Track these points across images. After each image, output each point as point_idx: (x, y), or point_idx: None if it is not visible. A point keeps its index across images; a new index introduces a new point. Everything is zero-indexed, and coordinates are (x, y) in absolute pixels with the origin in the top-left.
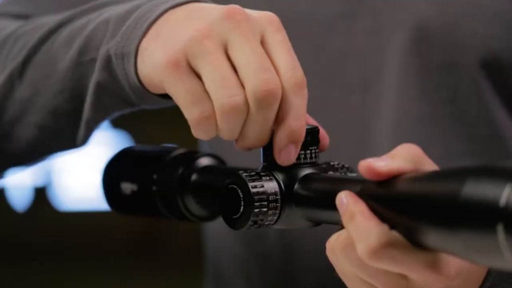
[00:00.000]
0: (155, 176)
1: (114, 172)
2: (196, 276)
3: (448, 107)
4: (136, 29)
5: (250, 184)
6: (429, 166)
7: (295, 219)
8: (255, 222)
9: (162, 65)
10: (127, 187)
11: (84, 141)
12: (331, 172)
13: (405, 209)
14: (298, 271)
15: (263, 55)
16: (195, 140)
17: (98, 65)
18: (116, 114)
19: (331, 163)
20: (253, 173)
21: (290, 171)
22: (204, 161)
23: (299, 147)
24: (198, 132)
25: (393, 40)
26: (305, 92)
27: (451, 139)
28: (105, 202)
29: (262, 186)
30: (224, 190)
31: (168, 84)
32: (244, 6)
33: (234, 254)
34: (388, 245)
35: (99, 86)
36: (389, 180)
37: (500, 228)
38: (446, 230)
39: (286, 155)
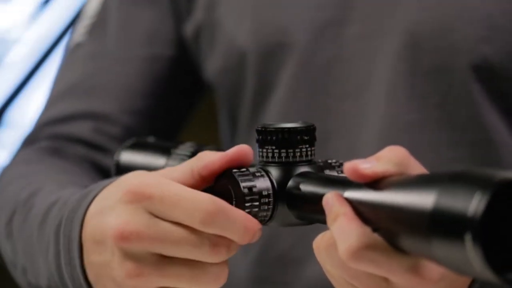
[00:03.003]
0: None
1: (125, 163)
2: None
3: (438, 112)
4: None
5: (241, 182)
6: (416, 168)
7: (289, 217)
8: None
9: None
10: None
11: None
12: (327, 171)
13: (384, 213)
14: (276, 263)
15: None
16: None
17: None
18: None
19: (329, 161)
20: (246, 171)
21: (285, 169)
22: None
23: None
24: None
25: (383, 45)
26: None
27: (441, 144)
28: None
29: (254, 184)
30: (218, 187)
31: None
32: (235, 13)
33: None
34: (368, 247)
35: None
36: (375, 182)
37: (468, 238)
38: (420, 237)
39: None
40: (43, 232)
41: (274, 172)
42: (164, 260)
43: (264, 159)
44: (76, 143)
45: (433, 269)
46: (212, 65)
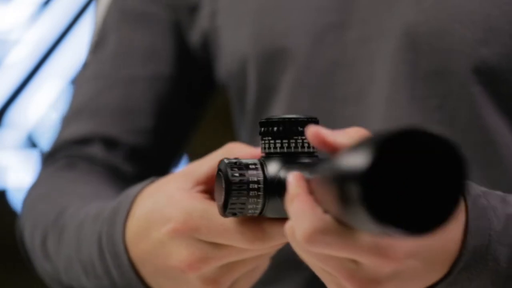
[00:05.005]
0: None
1: None
2: None
3: (439, 114)
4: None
5: (230, 172)
6: None
7: (282, 208)
8: (233, 210)
9: None
10: None
11: None
12: None
13: (320, 189)
14: (283, 264)
15: None
16: None
17: None
18: None
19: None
20: (238, 161)
21: (286, 160)
22: None
23: None
24: None
25: (383, 48)
26: None
27: None
28: None
29: (243, 174)
30: (216, 177)
31: None
32: (235, 19)
33: None
34: (321, 231)
35: None
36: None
37: (355, 191)
38: (341, 207)
39: None
40: (80, 250)
41: (275, 163)
42: (231, 266)
43: (266, 150)
44: (92, 162)
45: (397, 247)
46: (219, 70)
